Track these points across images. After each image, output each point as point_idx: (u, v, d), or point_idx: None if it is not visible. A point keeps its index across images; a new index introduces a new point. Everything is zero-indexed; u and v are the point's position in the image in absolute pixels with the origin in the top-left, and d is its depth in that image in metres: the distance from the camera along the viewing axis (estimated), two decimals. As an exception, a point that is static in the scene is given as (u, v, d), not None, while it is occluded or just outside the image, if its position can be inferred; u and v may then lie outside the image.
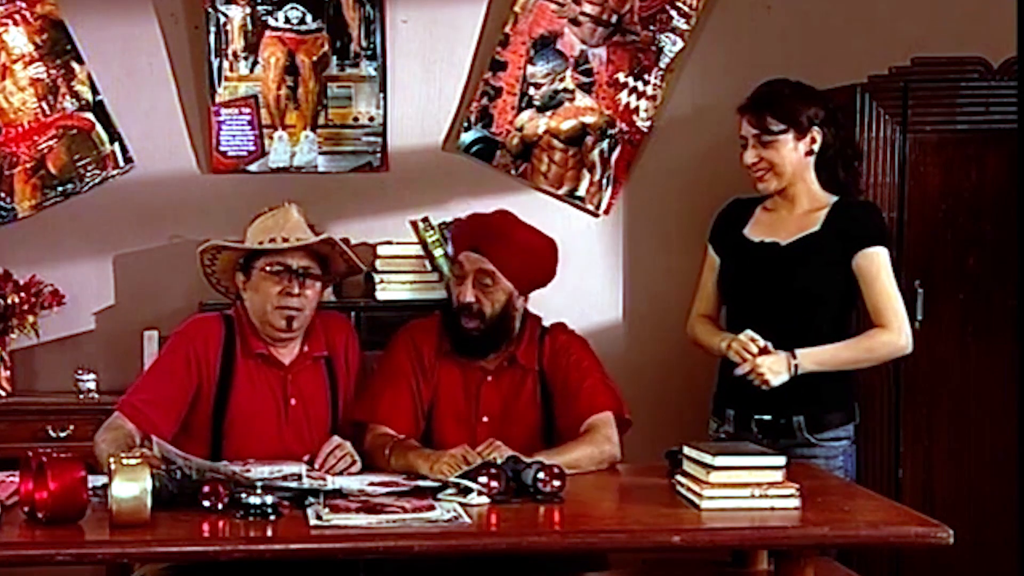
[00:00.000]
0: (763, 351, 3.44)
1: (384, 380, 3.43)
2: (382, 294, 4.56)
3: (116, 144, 4.65)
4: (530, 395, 3.45)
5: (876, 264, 3.56)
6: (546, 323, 3.57)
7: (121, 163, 4.66)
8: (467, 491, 2.90)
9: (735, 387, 3.55)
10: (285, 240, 3.36)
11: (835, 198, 3.65)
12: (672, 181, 4.81)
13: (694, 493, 2.88)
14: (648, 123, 4.82)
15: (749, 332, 3.46)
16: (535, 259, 3.47)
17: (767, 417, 3.56)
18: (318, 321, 3.46)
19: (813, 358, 3.48)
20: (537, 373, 3.46)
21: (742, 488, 2.83)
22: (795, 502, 2.83)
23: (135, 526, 2.60)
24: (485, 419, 3.42)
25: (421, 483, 3.01)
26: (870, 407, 4.17)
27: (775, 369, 3.43)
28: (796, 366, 3.45)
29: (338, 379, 3.44)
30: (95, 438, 3.28)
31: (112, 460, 2.66)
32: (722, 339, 3.56)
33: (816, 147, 3.60)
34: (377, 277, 4.57)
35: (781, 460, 2.87)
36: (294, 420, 3.37)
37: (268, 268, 3.36)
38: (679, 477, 3.00)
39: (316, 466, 2.95)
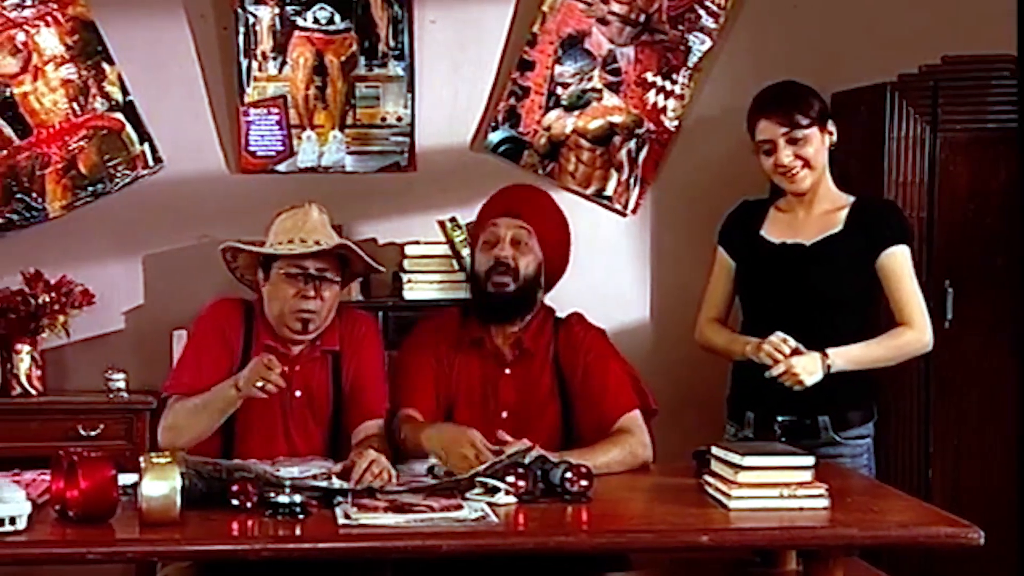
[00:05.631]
0: (795, 352, 3.42)
1: (407, 367, 3.44)
2: (409, 294, 4.56)
3: (146, 144, 4.66)
4: (547, 389, 3.44)
5: (900, 263, 3.55)
6: (561, 314, 3.56)
7: (151, 163, 4.67)
8: (495, 490, 2.90)
9: (755, 389, 3.54)
10: (303, 242, 3.35)
11: (852, 197, 3.64)
12: (700, 180, 4.80)
13: (722, 493, 2.87)
14: (676, 123, 4.81)
15: (780, 333, 3.44)
16: (562, 232, 3.53)
17: (791, 418, 3.54)
18: (338, 318, 3.46)
19: (846, 356, 3.46)
20: (552, 365, 3.45)
21: (771, 488, 2.82)
22: (824, 502, 2.82)
23: (165, 525, 2.61)
24: (504, 414, 3.42)
25: (446, 480, 3.01)
26: (900, 407, 4.16)
27: (809, 369, 3.42)
28: (829, 365, 3.43)
29: (342, 374, 3.44)
30: (162, 425, 3.33)
31: (142, 459, 2.67)
32: (745, 343, 3.54)
33: (834, 139, 3.60)
34: (404, 277, 4.57)
35: (810, 460, 2.87)
36: (298, 411, 3.38)
37: (285, 271, 3.36)
38: (707, 477, 2.99)
39: (352, 483, 2.93)
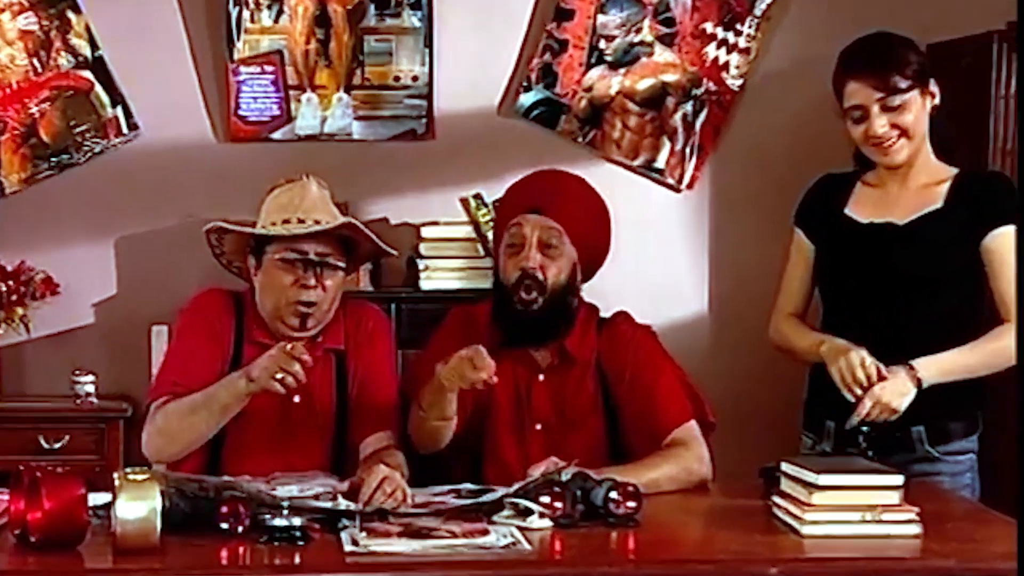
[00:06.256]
0: (880, 378, 3.40)
1: (432, 360, 3.41)
2: (426, 283, 4.57)
3: (119, 108, 4.69)
4: (590, 398, 3.44)
5: (1009, 247, 3.52)
6: (606, 313, 3.56)
7: (125, 130, 4.70)
8: (527, 513, 2.89)
9: (838, 393, 3.52)
10: (301, 222, 3.34)
11: (954, 169, 3.62)
12: (768, 149, 4.79)
13: (794, 517, 2.86)
14: (740, 81, 4.80)
15: (856, 356, 3.41)
16: (599, 221, 3.48)
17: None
18: (342, 311, 3.46)
19: (937, 367, 3.44)
20: (596, 371, 3.45)
21: (851, 511, 2.81)
22: (915, 528, 2.81)
23: (142, 552, 2.61)
24: (538, 427, 3.42)
25: (473, 500, 3.01)
26: (1009, 417, 4.12)
27: (900, 391, 3.40)
28: (920, 379, 3.41)
29: (348, 377, 3.43)
30: (148, 431, 3.32)
31: (116, 476, 2.67)
32: (824, 343, 3.52)
33: (936, 102, 3.57)
34: (421, 263, 4.58)
35: (898, 479, 2.85)
36: (296, 420, 3.37)
37: (280, 256, 3.35)
38: (776, 498, 2.98)
39: (360, 504, 2.93)
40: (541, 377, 3.44)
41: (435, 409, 3.26)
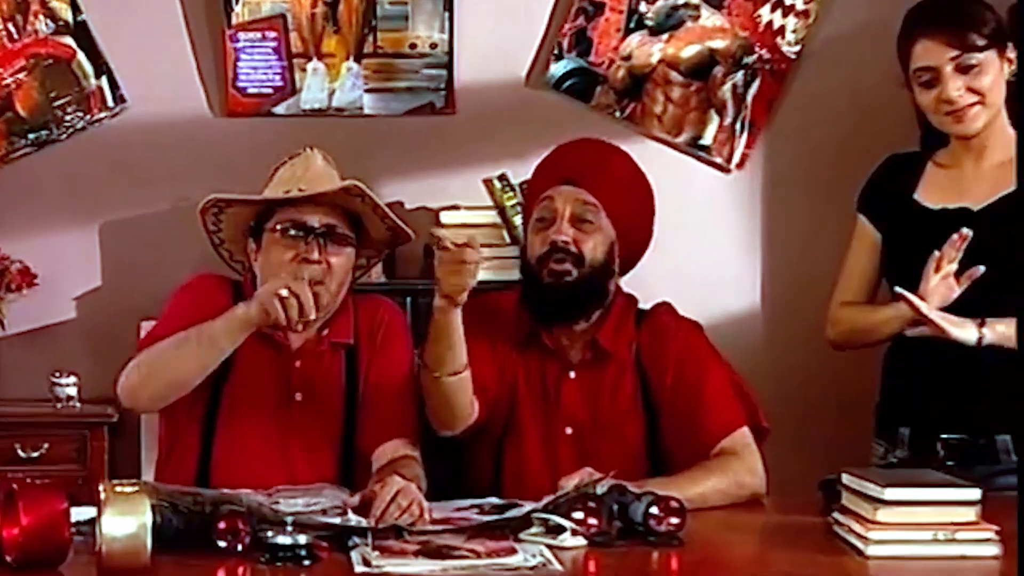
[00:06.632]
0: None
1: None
2: (446, 274, 4.58)
3: (103, 78, 4.71)
4: (627, 399, 3.43)
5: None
6: (645, 304, 3.55)
7: (110, 103, 4.72)
8: (558, 530, 2.90)
9: (913, 397, 3.52)
10: (302, 191, 3.35)
11: None
12: (828, 124, 4.79)
13: (857, 536, 2.86)
14: (797, 48, 4.80)
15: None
16: (642, 201, 3.47)
17: (960, 436, 3.53)
18: (352, 302, 3.46)
19: (1005, 332, 3.44)
20: (634, 369, 3.44)
21: (922, 530, 2.81)
22: (994, 549, 2.80)
23: (131, 572, 2.62)
24: (568, 430, 3.41)
25: (498, 515, 3.02)
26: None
27: (957, 323, 3.41)
28: (981, 337, 3.42)
29: (359, 375, 3.42)
30: (126, 371, 3.30)
31: (102, 488, 2.68)
32: (894, 312, 3.53)
33: (1014, 67, 3.57)
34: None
35: (975, 493, 2.85)
36: (298, 422, 3.37)
37: (280, 227, 3.35)
38: (837, 514, 2.99)
39: (372, 519, 2.93)
40: (572, 374, 3.43)
41: (445, 360, 3.23)
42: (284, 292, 3.10)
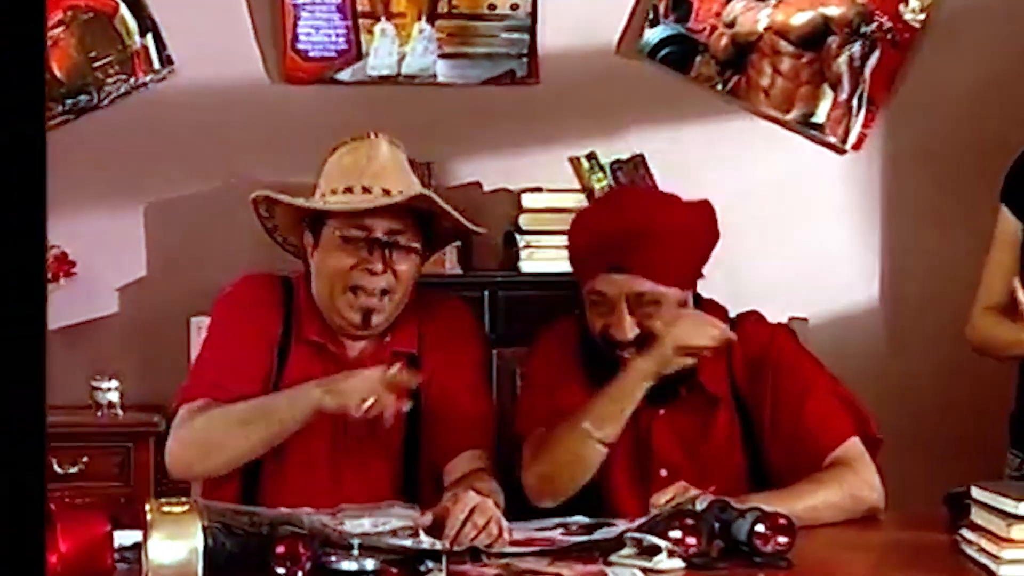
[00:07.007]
0: None
1: (543, 382, 3.41)
2: (528, 265, 4.58)
3: (149, 36, 4.73)
4: (724, 431, 3.41)
5: None
6: (733, 313, 3.54)
7: (156, 65, 4.75)
8: (654, 551, 2.91)
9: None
10: (366, 191, 3.35)
11: None
12: (956, 102, 4.77)
13: (988, 555, 2.86)
14: (922, 16, 4.78)
15: None
16: (700, 245, 3.40)
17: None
18: (417, 305, 3.46)
19: None
20: (729, 394, 3.43)
21: (1062, 551, 2.81)
22: None
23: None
24: (663, 472, 3.40)
25: (586, 536, 3.03)
26: None
27: None
28: None
29: (421, 388, 3.40)
30: (178, 437, 3.29)
31: (148, 508, 2.69)
32: None
33: None
34: (521, 240, 4.58)
35: (1120, 512, 2.85)
36: (354, 439, 3.37)
37: (341, 232, 3.35)
38: (965, 531, 2.98)
39: (447, 541, 2.93)
40: (662, 412, 3.42)
41: (608, 426, 3.24)
42: (370, 402, 3.12)
